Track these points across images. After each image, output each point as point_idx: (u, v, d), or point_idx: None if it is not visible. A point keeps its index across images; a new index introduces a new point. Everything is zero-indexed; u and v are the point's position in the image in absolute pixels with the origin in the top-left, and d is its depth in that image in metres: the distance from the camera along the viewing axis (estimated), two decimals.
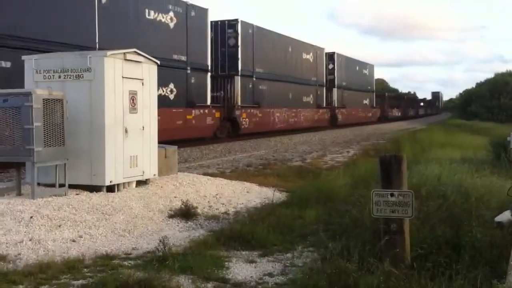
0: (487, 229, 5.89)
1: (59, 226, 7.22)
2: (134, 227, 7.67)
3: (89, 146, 9.14)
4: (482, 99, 60.07)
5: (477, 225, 5.81)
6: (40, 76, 9.37)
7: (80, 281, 5.36)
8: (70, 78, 9.20)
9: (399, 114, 70.32)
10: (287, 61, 34.13)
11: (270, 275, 5.72)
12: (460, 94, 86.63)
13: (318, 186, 10.23)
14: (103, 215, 7.89)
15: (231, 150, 21.24)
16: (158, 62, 10.54)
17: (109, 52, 9.34)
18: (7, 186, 9.32)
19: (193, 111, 23.37)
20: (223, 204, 9.55)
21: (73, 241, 6.86)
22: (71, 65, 9.21)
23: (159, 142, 10.88)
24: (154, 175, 10.45)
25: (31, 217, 7.30)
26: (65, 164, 8.83)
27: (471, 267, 5.07)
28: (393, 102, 70.34)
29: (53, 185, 8.87)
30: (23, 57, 9.74)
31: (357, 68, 51.65)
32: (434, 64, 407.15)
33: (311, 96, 38.67)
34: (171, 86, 21.91)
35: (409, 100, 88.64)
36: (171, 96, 21.97)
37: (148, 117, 10.23)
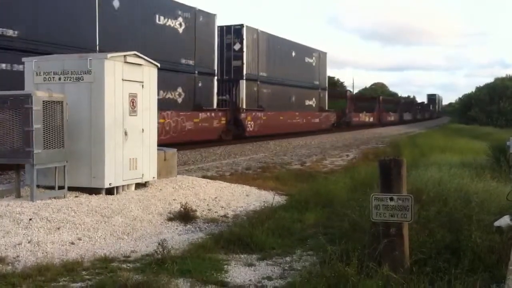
0: (486, 233, 5.89)
1: (58, 228, 7.21)
2: (133, 229, 7.66)
3: (89, 148, 9.13)
4: (482, 103, 60.10)
5: (477, 230, 5.80)
6: (40, 78, 9.36)
7: (79, 284, 5.36)
8: (70, 80, 9.20)
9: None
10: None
11: (269, 278, 5.72)
12: (460, 98, 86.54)
13: (317, 190, 10.23)
14: (102, 218, 7.88)
15: (231, 153, 21.24)
16: (159, 65, 10.55)
17: (109, 55, 9.35)
18: (6, 188, 9.29)
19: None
20: (222, 207, 9.54)
21: (72, 243, 6.85)
22: (71, 67, 9.21)
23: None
24: (153, 177, 10.44)
25: (30, 219, 7.30)
26: (64, 166, 8.83)
27: (470, 272, 5.08)
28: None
29: (52, 187, 8.87)
30: (23, 59, 9.74)
31: (294, 54, 35.17)
32: (435, 69, 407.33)
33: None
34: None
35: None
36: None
37: (148, 119, 10.23)
